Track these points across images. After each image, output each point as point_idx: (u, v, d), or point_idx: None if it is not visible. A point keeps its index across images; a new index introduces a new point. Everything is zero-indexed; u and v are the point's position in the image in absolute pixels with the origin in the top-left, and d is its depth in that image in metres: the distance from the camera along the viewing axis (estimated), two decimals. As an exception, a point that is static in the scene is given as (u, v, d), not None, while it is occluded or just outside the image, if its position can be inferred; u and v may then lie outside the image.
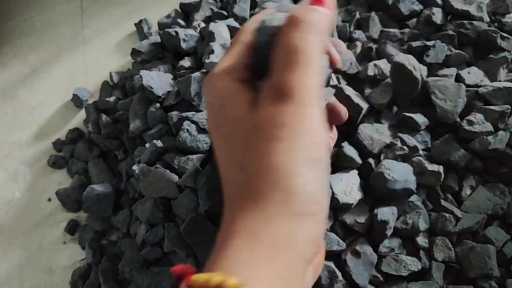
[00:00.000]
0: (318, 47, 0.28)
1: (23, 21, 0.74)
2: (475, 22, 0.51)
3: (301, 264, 0.26)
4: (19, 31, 0.74)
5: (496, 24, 0.53)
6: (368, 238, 0.42)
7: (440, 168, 0.42)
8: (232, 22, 0.56)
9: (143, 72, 0.51)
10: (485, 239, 0.41)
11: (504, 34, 0.49)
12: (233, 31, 0.55)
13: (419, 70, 0.45)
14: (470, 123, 0.43)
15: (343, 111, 0.37)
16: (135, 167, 0.46)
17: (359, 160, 0.43)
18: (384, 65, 0.48)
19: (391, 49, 0.50)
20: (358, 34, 0.54)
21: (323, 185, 0.27)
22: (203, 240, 0.41)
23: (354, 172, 0.42)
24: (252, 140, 0.27)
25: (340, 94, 0.45)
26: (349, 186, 0.41)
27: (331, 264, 0.40)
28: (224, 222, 0.27)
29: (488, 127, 0.43)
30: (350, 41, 0.54)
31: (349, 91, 0.45)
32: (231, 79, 0.29)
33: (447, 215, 0.41)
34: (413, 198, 0.42)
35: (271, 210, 0.25)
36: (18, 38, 0.73)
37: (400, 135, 0.44)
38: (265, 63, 0.27)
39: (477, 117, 0.43)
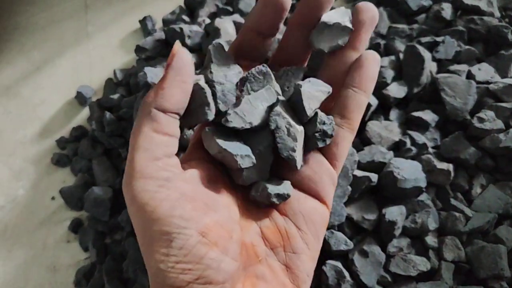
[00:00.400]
0: None
1: (26, 18, 0.74)
2: (485, 18, 0.50)
3: None
4: (22, 28, 0.73)
5: (507, 20, 0.52)
6: (376, 237, 0.41)
7: (450, 166, 0.42)
8: (237, 17, 0.55)
9: (148, 69, 0.50)
10: (496, 238, 0.40)
11: (515, 30, 0.48)
12: (239, 26, 0.54)
13: (427, 53, 0.45)
14: (481, 120, 0.42)
15: None
16: None
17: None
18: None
19: (399, 44, 0.49)
20: (366, 30, 0.53)
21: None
22: None
23: None
24: None
25: None
26: None
27: (339, 264, 0.39)
28: None
29: (499, 124, 0.42)
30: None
31: None
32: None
33: (457, 214, 0.40)
34: (423, 196, 0.41)
35: None
36: (21, 35, 0.73)
37: (410, 132, 0.43)
38: None
39: (487, 114, 0.42)
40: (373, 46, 0.50)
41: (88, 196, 0.51)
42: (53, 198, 0.58)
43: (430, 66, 0.46)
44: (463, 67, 0.46)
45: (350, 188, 0.40)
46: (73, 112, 0.64)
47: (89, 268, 0.51)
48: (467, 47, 0.48)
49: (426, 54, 0.45)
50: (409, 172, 0.40)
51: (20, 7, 0.75)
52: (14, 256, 0.56)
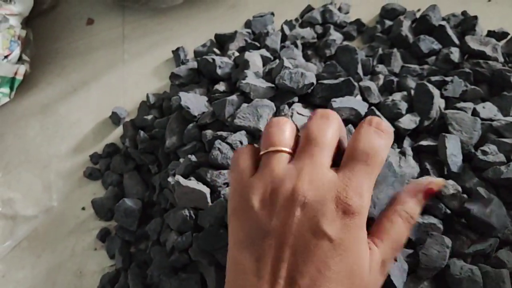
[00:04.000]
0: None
1: (67, 44, 0.79)
2: (490, 62, 0.53)
3: None
4: (63, 53, 0.78)
5: (510, 65, 0.56)
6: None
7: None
8: (264, 52, 0.59)
9: (182, 94, 0.54)
10: (498, 261, 0.42)
11: (517, 74, 0.52)
12: (265, 60, 0.58)
13: (436, 91, 0.48)
14: (484, 153, 0.45)
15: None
16: (170, 179, 0.49)
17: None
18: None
19: (411, 82, 0.52)
20: (381, 68, 0.57)
21: None
22: (221, 247, 0.43)
23: None
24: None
25: (371, 114, 0.48)
26: None
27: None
28: None
29: (501, 157, 0.45)
30: (372, 74, 0.57)
31: (379, 112, 0.48)
32: None
33: (464, 237, 0.43)
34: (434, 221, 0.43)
35: None
36: (62, 59, 0.77)
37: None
38: None
39: (490, 148, 0.45)
40: (387, 83, 0.54)
41: (119, 207, 0.54)
42: (83, 208, 0.61)
43: (439, 103, 0.49)
44: (469, 105, 0.49)
45: None
46: (107, 131, 0.68)
47: (114, 274, 0.54)
48: (472, 87, 0.51)
49: (435, 91, 0.49)
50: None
51: (61, 34, 0.80)
52: (43, 261, 0.59)
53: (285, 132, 0.36)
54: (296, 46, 0.61)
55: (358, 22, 0.66)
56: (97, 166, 0.64)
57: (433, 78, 0.52)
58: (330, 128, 0.35)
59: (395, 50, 0.58)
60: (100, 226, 0.59)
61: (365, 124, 0.35)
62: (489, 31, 0.59)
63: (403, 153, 0.44)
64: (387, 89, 0.54)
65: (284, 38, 0.64)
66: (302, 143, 0.35)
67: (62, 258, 0.58)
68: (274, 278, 0.29)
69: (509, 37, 0.58)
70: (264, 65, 0.58)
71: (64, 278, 0.57)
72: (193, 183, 0.47)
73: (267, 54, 0.59)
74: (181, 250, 0.47)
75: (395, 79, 0.54)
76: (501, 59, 0.55)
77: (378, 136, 0.34)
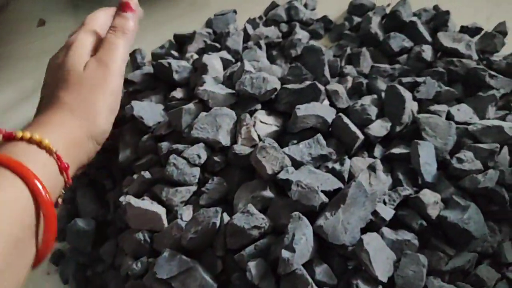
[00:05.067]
0: (124, 43, 0.48)
1: (19, 48, 0.73)
2: (464, 60, 0.50)
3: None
4: (14, 58, 0.72)
5: (484, 62, 0.52)
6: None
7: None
8: (225, 54, 0.55)
9: (135, 102, 0.49)
10: (477, 278, 0.39)
11: (492, 73, 0.48)
12: (226, 63, 0.54)
13: (407, 93, 0.45)
14: (460, 161, 0.42)
15: None
16: (122, 198, 0.44)
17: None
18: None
19: (381, 84, 0.49)
20: (349, 69, 0.53)
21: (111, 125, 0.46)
22: (179, 274, 0.39)
23: None
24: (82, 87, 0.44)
25: (339, 122, 0.44)
26: None
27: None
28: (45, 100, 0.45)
29: (478, 165, 0.42)
30: (340, 76, 0.53)
31: (347, 119, 0.44)
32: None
33: (441, 254, 0.39)
34: (409, 236, 0.40)
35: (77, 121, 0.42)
36: (12, 64, 0.72)
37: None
38: None
39: (466, 155, 0.42)
40: (356, 85, 0.50)
41: (71, 228, 0.49)
42: (35, 228, 0.56)
43: (412, 106, 0.46)
44: (443, 107, 0.46)
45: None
46: (61, 141, 0.62)
47: (67, 301, 0.49)
48: (447, 88, 0.48)
49: (407, 94, 0.45)
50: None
51: (11, 37, 0.74)
52: (-8, 287, 0.53)
53: None
54: (260, 47, 0.57)
55: (325, 19, 0.62)
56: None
57: (405, 80, 0.48)
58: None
59: (364, 49, 0.54)
60: (54, 248, 0.54)
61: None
62: (462, 27, 0.56)
63: (372, 169, 0.40)
64: (356, 92, 0.50)
65: (247, 38, 0.60)
66: None
67: (13, 283, 0.53)
68: None
69: (482, 32, 0.55)
70: (225, 68, 0.53)
71: (15, 306, 0.52)
72: (146, 204, 0.43)
73: (228, 57, 0.55)
74: (137, 277, 0.42)
75: (365, 81, 0.50)
76: (475, 56, 0.52)
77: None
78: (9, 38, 0.74)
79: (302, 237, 0.36)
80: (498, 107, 0.48)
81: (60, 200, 0.40)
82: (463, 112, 0.46)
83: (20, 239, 0.32)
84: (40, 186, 0.34)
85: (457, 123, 0.45)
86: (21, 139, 0.36)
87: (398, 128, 0.45)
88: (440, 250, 0.40)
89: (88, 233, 0.49)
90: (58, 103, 0.43)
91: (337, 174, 0.42)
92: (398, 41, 0.54)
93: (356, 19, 0.60)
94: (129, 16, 0.49)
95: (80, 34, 0.48)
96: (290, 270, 0.35)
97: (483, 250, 0.40)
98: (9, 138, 0.37)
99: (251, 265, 0.37)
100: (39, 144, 0.37)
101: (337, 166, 0.42)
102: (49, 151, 0.37)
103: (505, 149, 0.43)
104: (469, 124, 0.45)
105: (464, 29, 0.56)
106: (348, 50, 0.55)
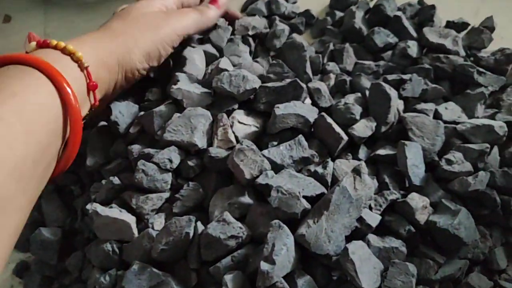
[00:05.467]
0: (199, 21, 0.50)
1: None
2: (451, 56, 0.48)
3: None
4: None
5: (471, 59, 0.50)
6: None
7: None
8: (209, 48, 0.51)
9: (114, 104, 0.45)
10: (468, 287, 0.37)
11: (481, 69, 0.46)
12: (210, 58, 0.50)
13: (393, 91, 0.42)
14: (449, 162, 0.39)
15: None
16: (89, 206, 0.40)
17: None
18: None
19: (365, 81, 0.46)
20: (332, 66, 0.50)
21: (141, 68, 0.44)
22: (153, 286, 0.36)
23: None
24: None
25: (322, 122, 0.42)
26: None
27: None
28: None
29: (468, 167, 0.39)
30: (323, 73, 0.50)
31: (330, 119, 0.42)
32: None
33: (431, 262, 0.37)
34: (397, 244, 0.37)
35: (113, 45, 0.41)
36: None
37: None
38: None
39: (456, 156, 0.40)
40: (339, 83, 0.47)
41: (35, 238, 0.45)
42: (-1, 238, 0.52)
43: (397, 104, 0.43)
44: (430, 106, 0.43)
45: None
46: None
47: (32, 316, 0.45)
48: (434, 85, 0.45)
49: (393, 92, 0.42)
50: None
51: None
52: None
53: None
54: (245, 41, 0.54)
55: (307, 13, 0.59)
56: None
57: (390, 77, 0.46)
58: None
59: (347, 45, 0.51)
60: (17, 259, 0.50)
61: None
62: (448, 22, 0.54)
63: (357, 172, 0.37)
64: (339, 90, 0.47)
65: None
66: None
67: (-29, 299, 0.49)
68: None
69: (469, 28, 0.53)
70: (207, 64, 0.50)
71: (-28, 324, 0.48)
72: (114, 212, 0.39)
73: (213, 51, 0.51)
74: (106, 291, 0.39)
75: (348, 79, 0.47)
76: (462, 52, 0.50)
77: None
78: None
79: (283, 247, 0.33)
80: (487, 105, 0.46)
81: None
82: (451, 110, 0.43)
83: (48, 146, 0.32)
84: (71, 94, 0.33)
85: (445, 122, 0.42)
86: (55, 47, 0.36)
87: (383, 128, 0.42)
88: (429, 257, 0.37)
89: (54, 243, 0.45)
90: (104, 27, 0.44)
91: (320, 178, 0.39)
92: (383, 36, 0.51)
93: (339, 14, 0.57)
94: (212, 7, 0.52)
95: None
96: (270, 283, 0.33)
97: (474, 256, 0.38)
98: (43, 45, 0.36)
99: (228, 278, 0.34)
100: (72, 56, 0.36)
101: (319, 169, 0.40)
102: (80, 65, 0.36)
103: (495, 149, 0.40)
104: (457, 123, 0.42)
105: (450, 24, 0.53)
106: (331, 46, 0.52)
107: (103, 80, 0.40)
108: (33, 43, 0.37)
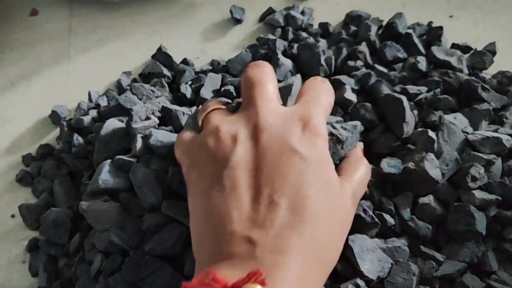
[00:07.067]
0: None
1: (7, 35, 0.69)
2: (457, 72, 0.49)
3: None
4: (2, 45, 0.68)
5: (473, 78, 0.51)
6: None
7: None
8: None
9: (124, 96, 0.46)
10: (463, 286, 0.37)
11: (485, 85, 0.47)
12: None
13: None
14: (474, 179, 0.39)
15: None
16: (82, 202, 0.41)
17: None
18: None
19: (385, 89, 0.47)
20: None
21: None
22: (147, 276, 0.36)
23: None
24: None
25: None
26: None
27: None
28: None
29: (485, 180, 0.40)
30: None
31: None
32: None
33: (433, 263, 0.37)
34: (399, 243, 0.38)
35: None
36: (2, 51, 0.68)
37: None
38: None
39: (480, 172, 0.39)
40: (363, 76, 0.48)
41: (46, 218, 0.45)
42: (13, 216, 0.52)
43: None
44: (438, 114, 0.44)
45: None
46: (45, 131, 0.58)
47: (35, 293, 0.45)
48: (445, 96, 0.46)
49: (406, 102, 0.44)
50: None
51: (1, 25, 0.70)
52: (-40, 275, 0.49)
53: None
54: None
55: (324, 26, 0.59)
56: (29, 169, 0.55)
57: (404, 86, 0.47)
58: (265, 70, 0.36)
59: (363, 44, 0.53)
60: (30, 236, 0.49)
61: (312, 78, 0.38)
62: (453, 44, 0.55)
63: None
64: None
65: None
66: (244, 92, 0.35)
67: (-17, 272, 0.49)
68: (254, 202, 0.28)
69: (472, 51, 0.54)
70: None
71: (-16, 295, 0.47)
72: (97, 204, 0.40)
73: None
74: (109, 274, 0.38)
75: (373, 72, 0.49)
76: (466, 71, 0.51)
77: (323, 82, 0.37)
78: (0, 25, 0.70)
79: None
80: (491, 121, 0.46)
81: None
82: (459, 121, 0.44)
83: None
84: None
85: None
86: None
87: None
88: (430, 257, 0.38)
89: (66, 222, 0.45)
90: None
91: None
92: (393, 50, 0.52)
93: (353, 28, 0.58)
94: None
95: None
96: None
97: (470, 260, 0.38)
98: None
99: None
100: None
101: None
102: None
103: (499, 160, 0.41)
104: (466, 133, 0.43)
105: (455, 46, 0.55)
106: (345, 51, 0.53)
107: None
108: None
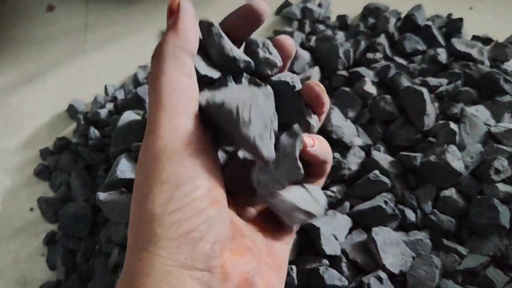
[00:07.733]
0: None
1: (24, 32, 0.69)
2: (478, 64, 0.48)
3: None
4: (19, 41, 0.69)
5: (495, 70, 0.50)
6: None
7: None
8: None
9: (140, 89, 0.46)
10: (486, 279, 0.36)
11: (507, 77, 0.46)
12: None
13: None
14: (497, 172, 0.38)
15: None
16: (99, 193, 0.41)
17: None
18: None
19: (405, 81, 0.46)
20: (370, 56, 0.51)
21: None
22: None
23: None
24: None
25: None
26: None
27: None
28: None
29: (508, 173, 0.39)
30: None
31: None
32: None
33: (456, 256, 0.36)
34: (420, 236, 0.37)
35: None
36: (17, 47, 0.68)
37: None
38: None
39: (504, 165, 0.38)
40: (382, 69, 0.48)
41: (65, 212, 0.45)
42: (31, 209, 0.52)
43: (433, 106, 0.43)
44: (459, 107, 0.44)
45: None
46: (62, 125, 0.59)
47: (54, 284, 0.45)
48: (466, 88, 0.46)
49: (427, 94, 0.43)
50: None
51: (18, 21, 0.71)
52: (-18, 265, 0.49)
53: None
54: None
55: (342, 18, 0.59)
56: (46, 162, 0.55)
57: (424, 78, 0.46)
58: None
59: (382, 36, 0.52)
60: (48, 229, 0.50)
61: None
62: (473, 36, 0.54)
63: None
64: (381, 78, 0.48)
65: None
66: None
67: (4, 264, 0.49)
68: None
69: (493, 43, 0.53)
70: None
71: (5, 286, 0.48)
72: (114, 196, 0.39)
73: None
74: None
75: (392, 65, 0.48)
76: (487, 63, 0.49)
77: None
78: (17, 21, 0.71)
79: None
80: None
81: None
82: (481, 113, 0.43)
83: None
84: None
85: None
86: None
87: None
88: (453, 251, 0.37)
89: (87, 215, 0.45)
90: None
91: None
92: (412, 43, 0.51)
93: (371, 21, 0.57)
94: None
95: None
96: None
97: (493, 253, 0.38)
98: None
99: None
100: None
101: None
102: None
103: (521, 152, 0.40)
104: (488, 125, 0.42)
105: (475, 38, 0.53)
106: (363, 44, 0.52)
107: None
108: None
